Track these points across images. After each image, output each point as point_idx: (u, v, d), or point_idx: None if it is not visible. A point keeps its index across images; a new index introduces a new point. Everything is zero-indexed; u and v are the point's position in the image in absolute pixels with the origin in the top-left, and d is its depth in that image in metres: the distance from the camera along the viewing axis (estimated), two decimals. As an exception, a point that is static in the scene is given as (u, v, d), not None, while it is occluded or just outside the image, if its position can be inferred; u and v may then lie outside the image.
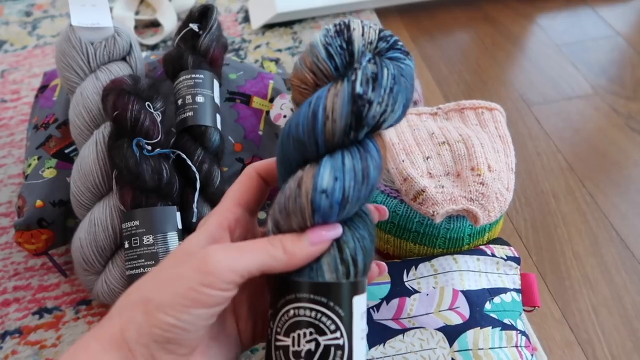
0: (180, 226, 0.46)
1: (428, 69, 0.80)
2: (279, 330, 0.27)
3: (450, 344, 0.40)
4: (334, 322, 0.27)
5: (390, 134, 0.46)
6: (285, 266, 0.27)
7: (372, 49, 0.29)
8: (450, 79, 0.79)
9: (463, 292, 0.41)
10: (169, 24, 0.83)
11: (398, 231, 0.46)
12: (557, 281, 0.55)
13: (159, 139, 0.47)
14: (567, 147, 0.68)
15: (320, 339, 0.26)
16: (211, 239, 0.29)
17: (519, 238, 0.59)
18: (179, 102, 0.52)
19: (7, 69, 0.79)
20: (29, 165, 0.54)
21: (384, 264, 0.33)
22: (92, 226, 0.46)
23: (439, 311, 0.41)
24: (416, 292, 0.42)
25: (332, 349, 0.26)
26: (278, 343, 0.27)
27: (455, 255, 0.44)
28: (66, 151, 0.54)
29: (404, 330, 0.41)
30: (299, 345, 0.26)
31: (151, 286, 0.27)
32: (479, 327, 0.40)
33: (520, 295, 0.44)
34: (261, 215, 0.57)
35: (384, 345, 0.41)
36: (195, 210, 0.48)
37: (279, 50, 0.81)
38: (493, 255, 0.44)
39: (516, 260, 0.45)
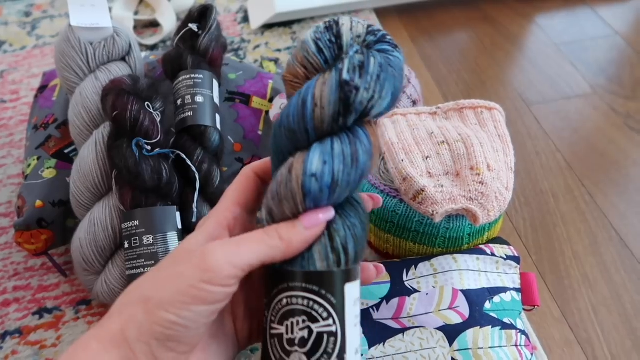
0: (180, 226, 0.46)
1: (427, 69, 0.80)
2: (273, 319, 0.28)
3: (450, 343, 0.40)
4: (326, 309, 0.27)
5: (389, 134, 0.47)
6: (284, 254, 0.27)
7: (361, 42, 0.29)
8: (450, 79, 0.79)
9: (463, 291, 0.42)
10: (168, 24, 0.83)
11: (398, 231, 0.46)
12: (557, 280, 0.55)
13: (158, 139, 0.47)
14: (566, 147, 0.68)
15: (313, 326, 0.27)
16: (210, 238, 0.29)
17: (519, 237, 0.59)
18: (179, 102, 0.52)
19: (7, 70, 0.79)
20: (29, 165, 0.54)
21: (381, 265, 0.33)
22: (91, 226, 0.46)
23: (439, 310, 0.41)
24: (416, 291, 0.42)
25: (325, 336, 0.27)
26: (273, 331, 0.28)
27: (455, 255, 0.44)
28: (66, 151, 0.54)
29: (403, 330, 0.41)
30: (292, 333, 0.27)
31: (151, 285, 0.27)
32: (479, 327, 0.40)
33: (520, 294, 0.44)
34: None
35: (383, 344, 0.41)
36: (195, 210, 0.48)
37: (279, 50, 0.81)
38: (493, 254, 0.44)
39: (516, 259, 0.45)
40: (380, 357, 0.40)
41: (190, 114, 0.51)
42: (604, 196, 0.63)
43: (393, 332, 0.41)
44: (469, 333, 0.40)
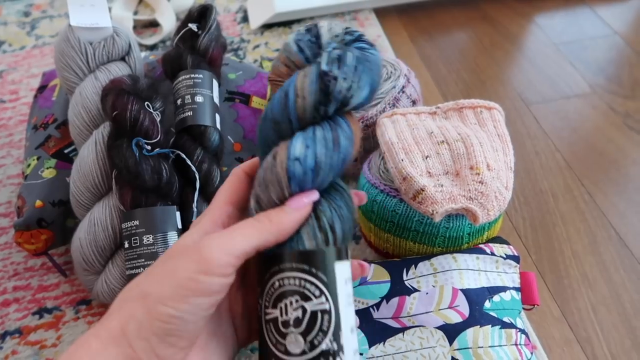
0: (180, 226, 0.46)
1: (427, 69, 0.80)
2: (267, 304, 0.28)
3: (450, 343, 0.40)
4: (317, 287, 0.27)
5: (389, 134, 0.47)
6: (276, 237, 0.28)
7: (339, 40, 0.32)
8: (449, 79, 0.79)
9: (462, 290, 0.42)
10: (168, 24, 0.83)
11: (398, 230, 0.46)
12: (556, 280, 0.55)
13: (158, 138, 0.47)
14: (566, 146, 0.69)
15: (306, 305, 0.27)
16: (205, 235, 0.29)
17: (518, 237, 0.59)
18: (178, 102, 0.52)
19: (6, 70, 0.79)
20: (28, 165, 0.54)
21: (366, 264, 0.33)
22: (91, 226, 0.46)
23: (439, 310, 0.41)
24: (416, 290, 0.42)
25: (319, 313, 0.27)
26: (268, 317, 0.28)
27: (455, 254, 0.44)
28: (65, 151, 0.54)
29: (403, 329, 0.41)
30: (286, 314, 0.27)
31: (149, 281, 0.27)
32: (479, 326, 0.40)
33: (520, 293, 0.44)
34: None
35: (384, 343, 0.41)
36: (195, 209, 0.48)
37: (278, 50, 0.81)
38: (492, 254, 0.44)
39: (515, 258, 0.45)
40: (381, 356, 0.40)
41: (190, 113, 0.51)
42: (603, 195, 0.63)
43: (393, 332, 0.41)
44: (469, 332, 0.40)
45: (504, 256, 0.44)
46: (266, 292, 0.28)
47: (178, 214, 0.47)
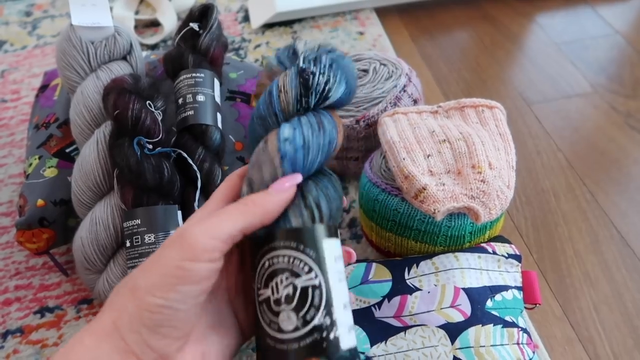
0: (181, 225, 0.46)
1: (428, 68, 0.80)
2: (259, 285, 0.29)
3: (452, 342, 0.40)
4: (306, 264, 0.28)
5: (391, 132, 0.47)
6: (260, 219, 0.28)
7: (314, 51, 0.35)
8: (450, 78, 0.79)
9: (464, 289, 0.42)
10: (169, 23, 0.83)
11: (399, 229, 0.46)
12: (558, 279, 0.55)
13: (159, 137, 0.47)
14: (567, 146, 0.68)
15: (296, 281, 0.28)
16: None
17: (520, 236, 0.59)
18: (180, 101, 0.52)
19: (7, 69, 0.79)
20: (30, 164, 0.54)
21: (353, 252, 0.34)
22: (93, 225, 0.46)
23: (441, 309, 0.41)
24: (417, 289, 0.42)
25: (310, 289, 0.28)
26: (261, 298, 0.29)
27: (457, 253, 0.44)
28: (67, 150, 0.54)
29: (405, 328, 0.41)
30: (278, 292, 0.28)
31: (138, 274, 0.27)
32: (481, 325, 0.40)
33: (522, 292, 0.44)
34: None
35: (385, 342, 0.41)
36: (196, 209, 0.48)
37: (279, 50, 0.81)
38: (494, 253, 0.44)
39: (517, 258, 0.45)
40: (382, 355, 0.40)
41: (191, 112, 0.51)
42: (605, 195, 0.63)
43: (395, 331, 0.41)
44: (471, 331, 0.40)
45: (506, 255, 0.44)
46: (258, 273, 0.29)
47: (179, 213, 0.47)
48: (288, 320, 0.27)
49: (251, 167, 0.31)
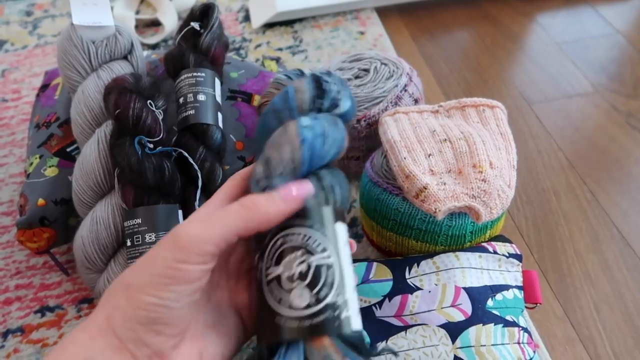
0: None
1: (428, 68, 0.80)
2: (269, 264, 0.29)
3: (453, 341, 0.40)
4: (321, 243, 0.28)
5: (392, 132, 0.47)
6: (259, 226, 0.28)
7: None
8: (451, 78, 0.79)
9: (465, 289, 0.42)
10: (170, 23, 0.83)
11: (400, 229, 0.46)
12: (559, 278, 0.55)
13: (160, 137, 0.47)
14: (568, 145, 0.68)
15: (310, 259, 0.28)
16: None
17: (520, 236, 0.59)
18: (181, 100, 0.52)
19: (8, 69, 0.79)
20: (31, 164, 0.54)
21: (353, 242, 0.34)
22: (94, 224, 0.46)
23: (441, 308, 0.41)
24: (418, 289, 0.42)
25: (324, 267, 0.28)
26: (270, 276, 0.29)
27: (457, 253, 0.44)
28: (68, 150, 0.54)
29: (406, 327, 0.41)
30: (291, 269, 0.28)
31: (131, 272, 0.27)
32: (481, 324, 0.40)
33: (522, 292, 0.44)
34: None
35: (386, 342, 0.41)
36: (197, 208, 0.48)
37: (280, 50, 0.81)
38: (495, 252, 0.44)
39: (518, 257, 0.45)
40: (384, 354, 0.40)
41: (192, 112, 0.51)
42: (605, 194, 0.63)
43: (396, 330, 0.41)
44: (472, 330, 0.40)
45: (507, 255, 0.44)
46: (268, 252, 0.29)
47: (180, 212, 0.47)
48: (301, 297, 0.27)
49: (269, 148, 0.32)
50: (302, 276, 0.27)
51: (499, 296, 0.42)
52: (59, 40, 0.51)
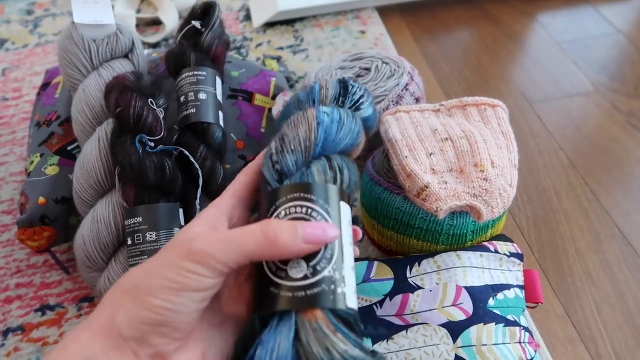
0: (183, 223, 0.46)
1: (429, 67, 0.80)
2: None
3: (454, 340, 0.40)
4: (323, 217, 0.28)
5: (393, 131, 0.46)
6: (275, 257, 0.27)
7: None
8: (452, 77, 0.79)
9: (466, 288, 0.41)
10: (171, 22, 0.83)
11: (401, 228, 0.46)
12: (560, 278, 0.55)
13: (161, 135, 0.47)
14: (569, 145, 0.68)
15: None
16: (210, 226, 0.29)
17: (522, 235, 0.59)
18: (182, 99, 0.52)
19: (9, 67, 0.79)
20: (32, 162, 0.53)
21: (359, 229, 0.34)
22: (95, 223, 0.46)
23: (443, 307, 0.41)
24: (419, 288, 0.42)
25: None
26: None
27: (459, 252, 0.44)
28: (69, 148, 0.54)
29: (407, 327, 0.41)
30: None
31: (140, 274, 0.27)
32: (483, 323, 0.40)
33: (524, 291, 0.44)
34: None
35: (387, 341, 0.41)
36: (198, 207, 0.48)
37: (281, 49, 0.81)
38: (496, 251, 0.44)
39: (519, 257, 0.45)
40: (384, 353, 0.40)
41: (193, 111, 0.51)
42: (607, 194, 0.62)
43: (397, 329, 0.41)
44: (473, 330, 0.40)
45: (508, 254, 0.44)
46: None
47: (181, 211, 0.47)
48: (298, 267, 0.27)
49: (286, 126, 0.33)
50: None
51: (500, 296, 0.42)
52: (60, 39, 0.51)
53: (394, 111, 0.50)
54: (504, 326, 0.40)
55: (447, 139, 0.44)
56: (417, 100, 0.57)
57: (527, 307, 0.44)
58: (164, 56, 0.58)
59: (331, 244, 0.28)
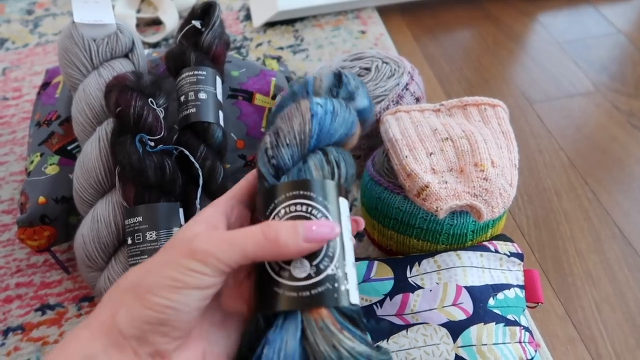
0: (183, 222, 0.46)
1: (430, 67, 0.80)
2: None
3: (454, 340, 0.40)
4: (324, 215, 0.28)
5: (393, 130, 0.46)
6: (275, 257, 0.27)
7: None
8: (452, 77, 0.79)
9: (466, 288, 0.41)
10: (171, 22, 0.83)
11: (401, 227, 0.46)
12: (560, 278, 0.55)
13: (161, 135, 0.47)
14: (569, 145, 0.68)
15: None
16: (208, 226, 0.29)
17: (522, 235, 0.59)
18: (182, 98, 0.52)
19: (9, 67, 0.79)
20: (32, 162, 0.53)
21: (361, 219, 0.34)
22: (94, 222, 0.46)
23: (443, 307, 0.41)
24: (419, 288, 0.42)
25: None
26: None
27: (459, 252, 0.44)
28: (69, 148, 0.54)
29: (407, 326, 0.41)
30: None
31: (140, 273, 0.27)
32: (483, 323, 0.40)
33: (524, 291, 0.44)
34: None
35: (387, 341, 0.41)
36: (198, 206, 0.48)
37: (281, 48, 0.81)
38: (496, 251, 0.44)
39: (519, 256, 0.45)
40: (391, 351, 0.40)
41: (193, 110, 0.51)
42: (607, 194, 0.62)
43: (397, 329, 0.41)
44: (473, 329, 0.40)
45: (508, 254, 0.44)
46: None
47: (181, 210, 0.47)
48: (301, 267, 0.27)
49: (280, 119, 0.33)
50: None
51: (500, 295, 0.42)
52: (60, 38, 0.51)
53: (394, 111, 0.50)
54: (504, 326, 0.40)
55: (447, 138, 0.44)
56: (417, 100, 0.57)
57: (527, 306, 0.44)
58: (164, 56, 0.58)
59: (332, 241, 0.28)
